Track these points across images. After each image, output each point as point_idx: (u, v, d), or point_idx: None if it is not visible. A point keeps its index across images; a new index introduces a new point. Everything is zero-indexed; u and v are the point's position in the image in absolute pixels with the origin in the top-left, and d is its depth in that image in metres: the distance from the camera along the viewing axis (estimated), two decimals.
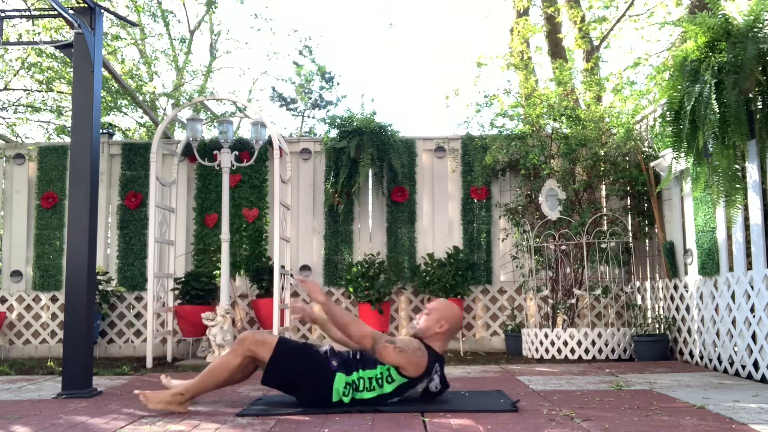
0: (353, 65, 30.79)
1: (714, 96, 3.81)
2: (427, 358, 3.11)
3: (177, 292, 6.12)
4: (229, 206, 6.20)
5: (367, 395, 3.08)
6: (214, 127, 13.09)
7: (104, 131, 6.90)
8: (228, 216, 6.07)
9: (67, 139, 10.32)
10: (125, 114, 12.74)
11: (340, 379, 3.07)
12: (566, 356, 5.39)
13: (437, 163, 6.77)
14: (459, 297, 6.10)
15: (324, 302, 3.10)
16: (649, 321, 5.47)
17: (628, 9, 9.66)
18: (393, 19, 28.77)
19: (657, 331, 5.27)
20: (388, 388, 3.09)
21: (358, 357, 3.16)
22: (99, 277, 6.31)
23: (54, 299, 6.66)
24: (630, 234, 5.79)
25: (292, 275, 6.43)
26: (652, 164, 5.40)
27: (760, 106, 3.84)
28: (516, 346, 5.83)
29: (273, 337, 3.13)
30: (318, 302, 3.11)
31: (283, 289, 6.09)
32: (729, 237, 4.36)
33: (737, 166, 3.92)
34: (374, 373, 3.09)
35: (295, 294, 6.55)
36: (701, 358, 4.68)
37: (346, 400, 3.07)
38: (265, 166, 6.72)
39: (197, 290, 5.98)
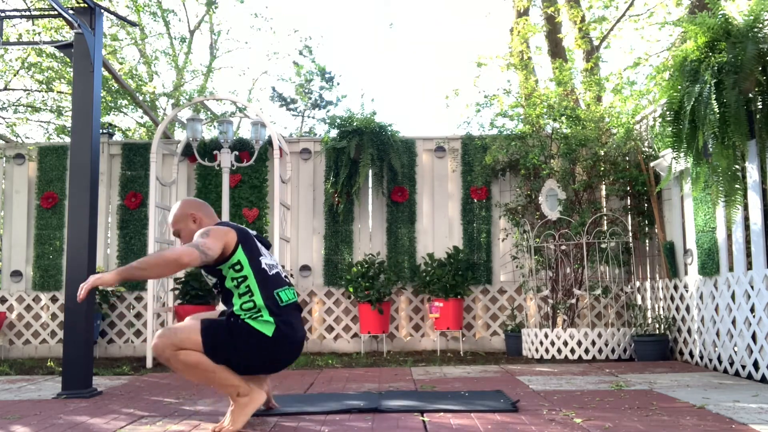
0: (353, 65, 30.80)
1: (714, 96, 3.81)
2: (219, 227, 2.75)
3: (177, 292, 6.12)
4: (229, 206, 6.21)
5: (247, 302, 2.73)
6: (214, 127, 13.09)
7: (104, 131, 6.90)
8: (228, 216, 6.07)
9: (67, 139, 10.32)
10: (125, 114, 12.74)
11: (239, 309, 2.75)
12: (566, 356, 5.39)
13: (437, 163, 6.77)
14: (459, 297, 6.10)
15: (114, 279, 2.53)
16: (649, 321, 5.47)
17: (628, 9, 9.66)
18: (393, 19, 28.75)
19: (657, 331, 5.27)
20: (244, 273, 2.75)
21: (219, 289, 2.84)
22: None
23: (54, 299, 6.66)
24: (630, 234, 5.78)
25: (291, 275, 6.44)
26: (652, 164, 5.40)
27: (760, 106, 3.84)
28: (516, 346, 5.83)
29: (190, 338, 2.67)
30: (108, 283, 2.55)
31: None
32: (729, 237, 4.36)
33: (737, 166, 3.92)
34: (233, 276, 2.75)
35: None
36: (701, 358, 4.68)
37: (247, 316, 2.73)
38: (265, 166, 6.72)
39: (197, 290, 5.98)
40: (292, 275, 6.43)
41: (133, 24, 6.23)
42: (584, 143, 5.82)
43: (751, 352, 4.02)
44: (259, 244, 2.89)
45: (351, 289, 6.17)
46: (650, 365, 4.80)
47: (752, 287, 4.03)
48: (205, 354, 2.66)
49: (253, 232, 2.96)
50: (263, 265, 2.80)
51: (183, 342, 2.64)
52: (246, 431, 2.74)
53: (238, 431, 2.69)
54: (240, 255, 2.75)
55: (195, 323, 2.72)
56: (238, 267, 2.74)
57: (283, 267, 6.00)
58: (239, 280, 2.74)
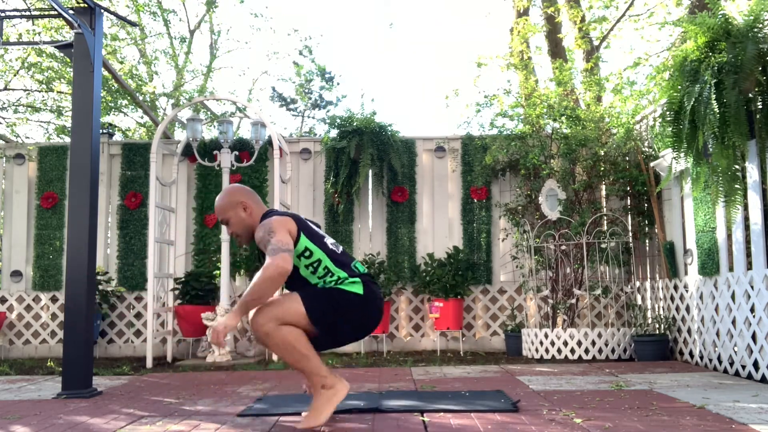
0: (353, 65, 30.80)
1: (714, 96, 3.81)
2: (276, 219, 2.70)
3: (177, 292, 6.12)
4: None
5: (330, 278, 2.74)
6: (214, 127, 13.10)
7: (104, 131, 6.90)
8: None
9: (67, 139, 10.32)
10: (125, 114, 12.74)
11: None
12: (566, 356, 5.39)
13: (437, 163, 6.77)
14: (459, 297, 6.10)
15: (237, 320, 2.58)
16: (649, 321, 5.47)
17: (628, 9, 9.66)
18: (393, 19, 28.76)
19: (657, 331, 5.27)
20: (316, 257, 2.74)
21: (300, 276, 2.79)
22: (99, 277, 6.32)
23: (54, 299, 6.66)
24: (630, 234, 5.78)
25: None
26: (652, 164, 5.40)
27: (760, 106, 3.84)
28: (516, 346, 5.83)
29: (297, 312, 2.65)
30: (232, 326, 2.60)
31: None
32: (729, 237, 4.36)
33: (737, 166, 3.92)
34: (306, 263, 2.74)
35: None
36: (701, 358, 4.68)
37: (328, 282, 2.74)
38: (265, 166, 6.72)
39: (197, 290, 5.98)
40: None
41: (133, 24, 6.23)
42: (584, 143, 5.83)
43: (751, 352, 4.02)
44: (313, 226, 2.89)
45: None
46: (650, 365, 4.80)
47: (752, 287, 4.03)
48: (311, 319, 2.63)
49: (302, 216, 2.94)
50: (330, 246, 2.80)
51: (285, 313, 2.62)
52: (246, 431, 2.74)
53: (322, 424, 2.66)
54: (306, 242, 2.73)
55: (292, 294, 2.69)
56: (308, 254, 2.72)
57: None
58: (314, 264, 2.73)
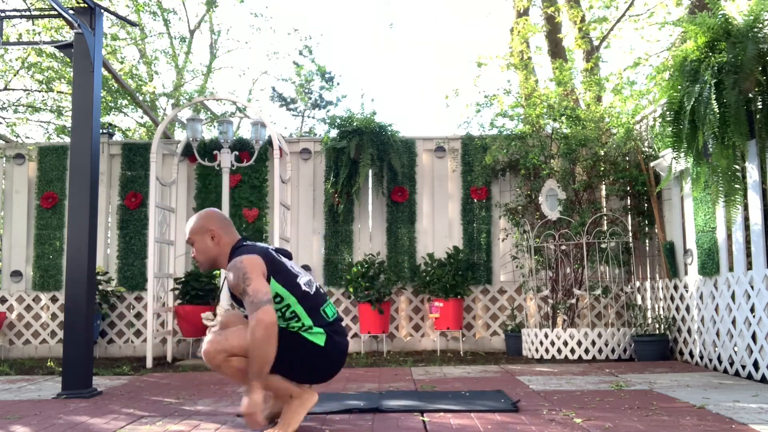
0: (353, 65, 30.80)
1: (714, 96, 3.81)
2: (248, 260, 2.61)
3: (177, 292, 6.12)
4: (229, 206, 6.21)
5: (295, 323, 2.66)
6: (214, 127, 13.09)
7: (104, 131, 6.90)
8: (228, 216, 6.07)
9: (67, 139, 10.32)
10: (125, 114, 12.74)
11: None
12: (566, 356, 5.39)
13: (437, 163, 6.77)
14: (459, 297, 6.10)
15: (260, 396, 2.53)
16: (649, 321, 5.47)
17: (628, 9, 9.66)
18: (393, 20, 28.76)
19: (657, 331, 5.27)
20: (285, 302, 2.66)
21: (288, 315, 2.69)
22: (99, 277, 6.31)
23: (54, 299, 6.66)
24: (630, 234, 5.78)
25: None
26: (652, 164, 5.40)
27: (760, 106, 3.84)
28: (516, 346, 5.83)
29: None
30: (263, 400, 2.57)
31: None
32: (729, 237, 4.36)
33: (737, 166, 3.92)
34: (278, 308, 2.65)
35: None
36: (701, 358, 4.68)
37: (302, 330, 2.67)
38: (265, 166, 6.72)
39: (197, 290, 5.98)
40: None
41: (133, 24, 6.23)
42: (584, 143, 5.83)
43: (751, 352, 4.02)
44: (285, 261, 2.76)
45: (351, 289, 6.17)
46: (650, 365, 4.80)
47: (752, 287, 4.03)
48: None
49: (270, 246, 2.82)
50: (303, 288, 2.69)
51: (234, 349, 2.57)
52: (246, 431, 2.74)
53: None
54: (276, 287, 2.63)
55: (242, 330, 2.63)
56: (278, 299, 2.63)
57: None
58: (283, 309, 2.65)
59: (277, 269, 2.67)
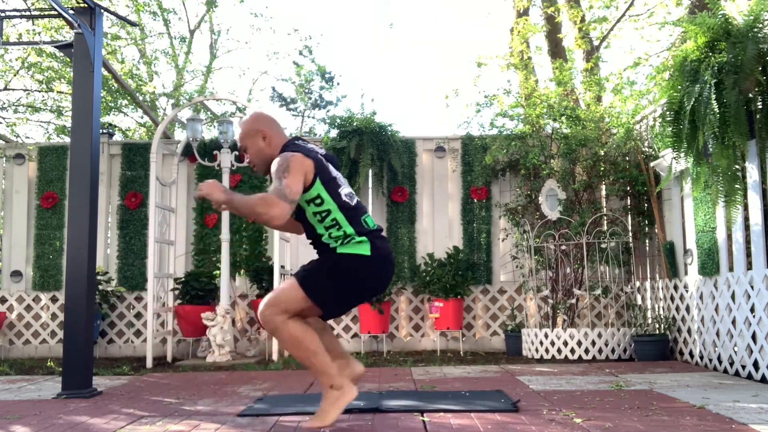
0: (353, 65, 30.80)
1: (714, 96, 3.81)
2: (297, 157, 2.57)
3: (177, 292, 6.12)
4: None
5: (336, 232, 2.63)
6: (214, 127, 13.08)
7: (104, 131, 6.90)
8: (228, 216, 6.07)
9: (67, 139, 10.32)
10: (125, 114, 12.75)
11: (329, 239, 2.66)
12: (566, 356, 5.39)
13: (437, 163, 6.77)
14: (459, 297, 6.10)
15: (225, 201, 2.57)
16: (649, 321, 5.47)
17: (628, 9, 9.66)
18: (393, 20, 28.76)
19: (657, 331, 5.27)
20: (326, 207, 2.62)
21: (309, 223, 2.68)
22: (99, 277, 6.31)
23: (54, 299, 6.66)
24: (630, 234, 5.78)
25: (292, 275, 6.43)
26: (652, 164, 5.40)
27: (760, 106, 3.84)
28: (516, 346, 5.83)
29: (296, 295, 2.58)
30: (219, 202, 2.58)
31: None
32: (729, 237, 4.36)
33: (737, 166, 3.92)
34: (315, 210, 2.62)
35: None
36: (701, 358, 4.68)
37: (335, 244, 2.64)
38: None
39: (197, 290, 5.98)
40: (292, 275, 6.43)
41: (133, 24, 6.24)
42: (584, 143, 5.83)
43: (751, 352, 4.02)
44: (332, 169, 2.72)
45: None
46: (650, 365, 4.80)
47: (752, 287, 4.03)
48: (313, 300, 2.55)
49: (321, 151, 2.78)
50: (344, 197, 2.64)
51: (288, 303, 2.54)
52: (246, 431, 2.74)
53: (329, 425, 2.59)
54: (319, 188, 2.59)
55: (291, 280, 2.61)
56: (318, 201, 2.59)
57: (283, 267, 6.00)
58: (323, 214, 2.60)
59: (324, 172, 2.64)
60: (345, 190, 2.69)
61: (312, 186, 2.59)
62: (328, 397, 2.61)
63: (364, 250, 2.59)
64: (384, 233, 2.75)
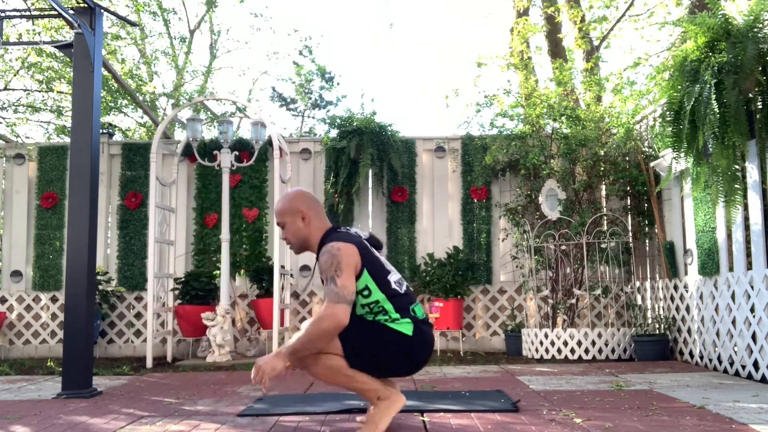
0: (353, 65, 30.80)
1: (714, 96, 3.81)
2: (345, 249, 2.53)
3: (177, 292, 6.12)
4: (229, 206, 6.21)
5: (383, 315, 2.58)
6: (214, 127, 13.10)
7: (104, 131, 6.90)
8: (228, 216, 6.07)
9: (67, 139, 10.32)
10: (125, 114, 12.74)
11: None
12: (566, 356, 5.39)
13: (437, 163, 6.77)
14: (459, 297, 6.10)
15: (291, 361, 2.52)
16: (649, 321, 5.47)
17: (628, 9, 9.66)
18: (393, 20, 28.77)
19: (657, 331, 5.27)
20: (374, 298, 2.57)
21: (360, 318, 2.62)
22: (99, 277, 6.31)
23: (54, 299, 6.66)
24: (630, 234, 5.78)
25: (291, 275, 6.44)
26: (652, 164, 5.40)
27: (760, 106, 3.84)
28: (516, 346, 5.83)
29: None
30: (286, 368, 2.53)
31: (283, 289, 6.09)
32: (729, 237, 4.36)
33: (737, 166, 3.92)
34: (363, 302, 2.59)
35: (295, 294, 6.55)
36: (701, 358, 4.68)
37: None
38: (265, 166, 6.72)
39: (197, 290, 5.98)
40: (291, 275, 6.43)
41: (133, 24, 6.23)
42: (584, 143, 5.83)
43: (751, 352, 4.02)
44: (378, 255, 2.68)
45: None
46: (650, 365, 4.80)
47: (752, 287, 4.03)
48: (345, 358, 2.52)
49: (364, 234, 2.74)
50: (393, 286, 2.59)
51: (323, 347, 2.51)
52: (246, 431, 2.74)
53: None
54: (367, 279, 2.55)
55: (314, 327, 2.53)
56: (366, 293, 2.55)
57: (283, 267, 6.00)
58: (371, 305, 2.57)
59: (371, 262, 2.60)
60: (394, 277, 2.65)
61: (360, 277, 2.54)
62: (378, 409, 2.58)
63: (407, 329, 2.56)
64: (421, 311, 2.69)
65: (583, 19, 9.45)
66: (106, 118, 11.28)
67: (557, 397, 3.42)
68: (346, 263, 2.49)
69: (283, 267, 6.04)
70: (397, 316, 2.57)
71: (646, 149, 5.67)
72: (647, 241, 5.86)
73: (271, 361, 2.47)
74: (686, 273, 4.96)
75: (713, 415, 2.84)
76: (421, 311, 2.68)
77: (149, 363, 5.50)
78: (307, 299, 6.58)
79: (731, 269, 4.33)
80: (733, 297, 4.26)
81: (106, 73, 7.75)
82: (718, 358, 4.42)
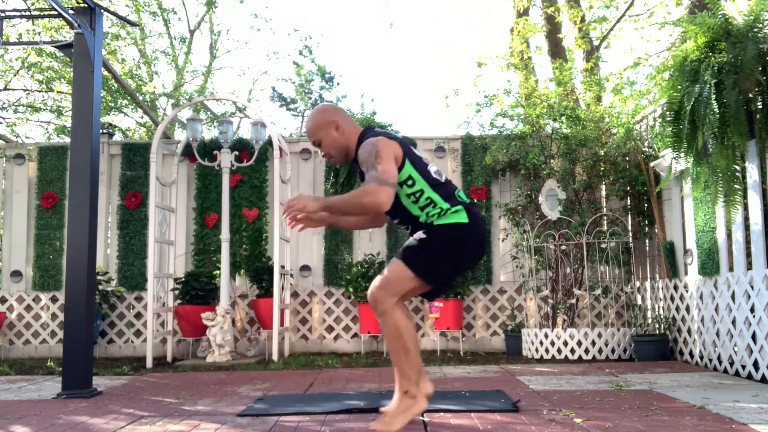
0: (353, 65, 30.80)
1: (714, 96, 3.81)
2: (384, 141, 2.57)
3: (177, 292, 6.12)
4: (229, 206, 6.21)
5: (432, 209, 2.60)
6: (214, 127, 13.10)
7: (104, 131, 6.90)
8: (228, 216, 6.07)
9: (67, 139, 10.32)
10: (125, 114, 12.74)
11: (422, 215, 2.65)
12: (566, 356, 5.39)
13: (437, 163, 6.77)
14: (459, 297, 6.09)
15: (322, 207, 2.52)
16: (649, 321, 5.47)
17: (628, 9, 9.66)
18: (393, 20, 28.77)
19: (657, 331, 5.27)
20: (419, 187, 2.61)
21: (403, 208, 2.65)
22: (99, 277, 6.31)
23: (54, 299, 6.66)
24: (630, 234, 5.78)
25: (291, 275, 6.44)
26: (652, 164, 5.40)
27: (760, 106, 3.84)
28: (516, 346, 5.83)
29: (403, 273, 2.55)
30: (316, 210, 2.53)
31: (283, 289, 6.09)
32: (729, 237, 4.36)
33: (737, 166, 3.92)
34: (408, 192, 2.61)
35: (294, 294, 6.55)
36: (701, 358, 4.68)
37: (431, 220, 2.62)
38: (265, 166, 6.72)
39: (197, 290, 5.98)
40: (291, 275, 6.43)
41: (133, 24, 6.23)
42: (584, 143, 5.83)
43: (751, 352, 4.02)
44: (414, 150, 2.71)
45: (351, 289, 6.17)
46: (650, 365, 4.80)
47: (752, 287, 4.03)
48: (421, 277, 2.53)
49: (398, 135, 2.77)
50: (434, 175, 2.64)
51: (398, 284, 2.52)
52: (246, 431, 2.74)
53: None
54: (410, 169, 2.59)
55: (398, 261, 2.57)
56: (410, 182, 2.59)
57: (283, 267, 5.99)
58: (416, 194, 2.59)
59: (411, 154, 2.64)
60: (433, 168, 2.69)
61: (402, 168, 2.59)
62: (401, 403, 2.57)
63: (462, 218, 2.58)
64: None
65: (583, 19, 9.45)
66: (106, 118, 11.28)
67: (557, 397, 3.42)
68: (385, 152, 2.52)
69: (283, 267, 6.04)
70: (447, 205, 2.60)
71: (646, 149, 5.67)
72: (647, 241, 5.86)
73: (305, 199, 2.50)
74: (686, 273, 4.96)
75: (713, 415, 2.84)
76: (463, 195, 2.71)
77: (149, 363, 5.50)
78: (307, 299, 6.58)
79: (731, 269, 4.33)
80: (733, 297, 4.26)
81: (106, 73, 7.75)
82: (718, 358, 4.43)
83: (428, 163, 2.70)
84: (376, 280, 2.58)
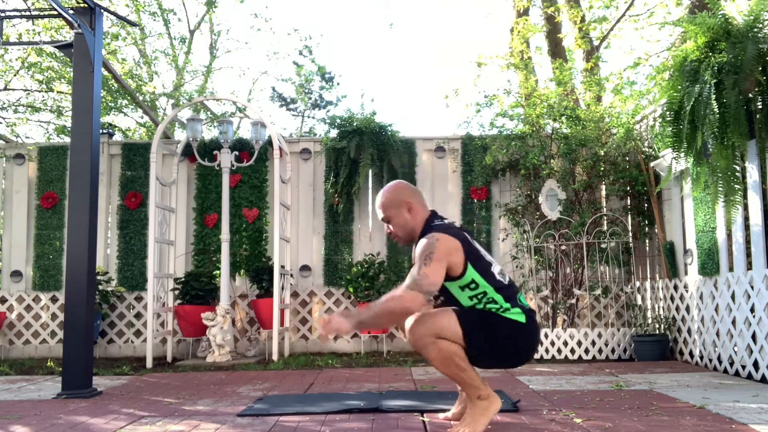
0: (353, 65, 30.81)
1: (714, 96, 3.81)
2: (444, 241, 2.54)
3: (177, 292, 6.12)
4: (229, 206, 6.21)
5: (494, 305, 2.60)
6: (214, 127, 13.09)
7: (104, 131, 6.90)
8: (228, 216, 6.07)
9: (67, 139, 10.31)
10: (125, 114, 12.74)
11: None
12: (566, 356, 5.39)
13: (437, 163, 6.77)
14: None
15: (355, 326, 2.49)
16: (649, 321, 5.46)
17: (628, 9, 9.66)
18: (393, 20, 28.78)
19: (657, 331, 5.27)
20: (482, 290, 2.59)
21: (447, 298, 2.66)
22: (99, 277, 6.31)
23: (54, 299, 6.66)
24: (630, 234, 5.78)
25: (291, 275, 6.44)
26: (652, 164, 5.40)
27: (760, 106, 3.84)
28: None
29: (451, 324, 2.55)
30: (349, 331, 2.49)
31: (283, 289, 6.09)
32: (729, 237, 4.36)
33: (737, 167, 3.92)
34: (471, 294, 2.60)
35: (294, 294, 6.55)
36: (701, 358, 4.68)
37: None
38: (265, 166, 6.72)
39: (197, 290, 5.98)
40: (291, 275, 6.43)
41: (133, 24, 6.24)
42: (584, 143, 5.82)
43: (751, 352, 4.02)
44: (477, 246, 2.68)
45: (351, 289, 6.17)
46: (650, 365, 4.80)
47: (752, 287, 4.03)
48: (467, 342, 2.53)
49: (462, 228, 2.73)
50: (498, 277, 2.62)
51: (443, 330, 2.52)
52: (246, 431, 2.74)
53: None
54: (472, 273, 2.56)
55: (450, 313, 2.57)
56: (473, 285, 2.57)
57: (283, 267, 5.99)
58: (479, 296, 2.58)
59: (475, 255, 2.61)
60: (496, 268, 2.67)
61: (464, 272, 2.56)
62: (477, 408, 2.58)
63: (520, 318, 2.59)
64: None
65: (583, 19, 9.45)
66: (106, 118, 11.28)
67: (557, 397, 3.42)
68: (439, 254, 2.49)
69: (283, 267, 6.04)
70: (508, 305, 2.60)
71: (646, 149, 5.67)
72: (647, 241, 5.86)
73: (338, 321, 2.47)
74: (686, 273, 4.96)
75: (713, 415, 2.84)
76: (525, 300, 2.71)
77: (149, 363, 5.50)
78: (307, 299, 6.58)
79: (731, 269, 4.33)
80: (733, 297, 4.26)
81: (106, 73, 7.75)
82: (718, 358, 4.42)
83: (491, 262, 2.66)
84: (422, 317, 2.55)
